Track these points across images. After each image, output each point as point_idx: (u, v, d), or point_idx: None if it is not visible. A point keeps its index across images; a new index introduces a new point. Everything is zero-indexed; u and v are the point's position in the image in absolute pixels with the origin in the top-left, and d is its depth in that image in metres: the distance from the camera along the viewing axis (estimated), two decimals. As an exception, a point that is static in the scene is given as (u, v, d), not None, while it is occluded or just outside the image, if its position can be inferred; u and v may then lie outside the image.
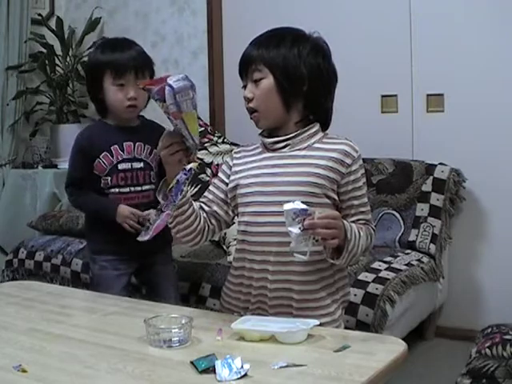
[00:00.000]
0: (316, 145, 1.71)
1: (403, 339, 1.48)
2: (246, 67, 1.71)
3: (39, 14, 4.19)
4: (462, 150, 3.16)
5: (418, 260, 2.92)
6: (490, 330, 2.02)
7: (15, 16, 3.96)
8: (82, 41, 4.17)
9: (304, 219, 1.47)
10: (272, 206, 1.65)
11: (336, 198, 1.68)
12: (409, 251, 2.99)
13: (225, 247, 2.93)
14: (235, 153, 1.84)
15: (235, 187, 1.76)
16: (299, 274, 1.66)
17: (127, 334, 1.55)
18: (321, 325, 1.56)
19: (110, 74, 2.27)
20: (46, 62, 4.08)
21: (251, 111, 1.72)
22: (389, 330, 2.45)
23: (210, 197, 1.81)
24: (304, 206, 1.48)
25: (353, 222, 1.66)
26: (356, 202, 1.69)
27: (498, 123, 3.09)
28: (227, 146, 3.59)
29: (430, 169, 3.12)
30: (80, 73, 4.15)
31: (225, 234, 2.96)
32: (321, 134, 1.74)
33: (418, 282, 2.78)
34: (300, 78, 1.69)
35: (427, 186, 3.10)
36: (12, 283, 2.33)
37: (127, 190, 2.34)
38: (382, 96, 3.37)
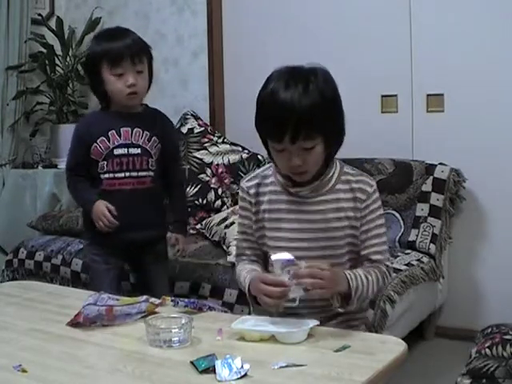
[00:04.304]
0: (337, 186, 1.69)
1: (403, 339, 1.49)
2: (294, 133, 1.54)
3: (39, 14, 4.19)
4: (462, 149, 3.16)
5: (418, 260, 2.92)
6: (489, 330, 2.02)
7: (15, 16, 3.96)
8: (81, 41, 4.17)
9: (288, 269, 1.52)
10: (311, 251, 1.66)
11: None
12: (409, 251, 2.99)
13: (225, 247, 2.93)
14: (249, 188, 1.75)
15: (262, 228, 1.74)
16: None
17: (127, 334, 1.55)
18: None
19: (107, 64, 2.27)
20: (46, 61, 4.08)
21: (299, 172, 1.64)
22: (389, 330, 2.45)
23: (250, 252, 1.78)
24: (290, 257, 1.52)
25: (364, 255, 1.68)
26: (367, 235, 1.69)
27: (498, 123, 3.08)
28: (227, 146, 3.60)
29: (429, 169, 3.12)
30: (80, 73, 4.15)
31: (225, 233, 2.96)
32: (338, 172, 1.71)
33: (417, 282, 2.78)
34: (343, 130, 1.69)
35: (427, 186, 3.09)
36: (12, 283, 2.34)
37: (122, 175, 2.34)
38: (382, 96, 3.37)
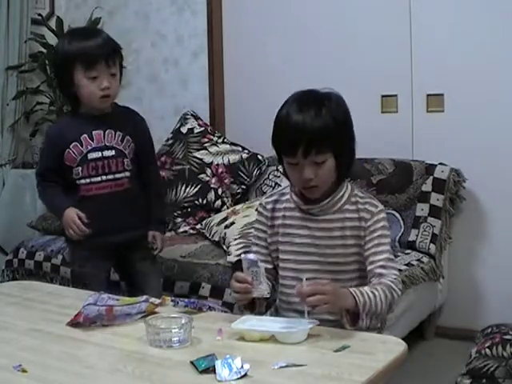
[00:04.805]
0: (346, 206, 1.74)
1: (403, 339, 1.49)
2: (306, 148, 1.62)
3: (39, 14, 4.19)
4: (462, 149, 3.16)
5: (418, 260, 2.92)
6: (489, 330, 2.02)
7: (15, 16, 3.96)
8: (81, 41, 4.17)
9: (252, 269, 1.62)
10: (319, 265, 1.71)
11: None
12: (409, 251, 2.99)
13: (225, 247, 2.93)
14: (266, 203, 1.84)
15: (276, 242, 1.80)
16: None
17: (127, 334, 1.55)
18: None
19: (82, 66, 2.23)
20: (46, 61, 4.08)
21: (310, 186, 1.70)
22: (389, 330, 2.45)
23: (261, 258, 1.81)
24: (254, 258, 1.63)
25: (369, 270, 1.70)
26: (371, 252, 1.71)
27: (498, 123, 3.08)
28: (227, 146, 3.59)
29: (430, 169, 3.12)
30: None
31: (225, 233, 2.96)
32: (348, 192, 1.75)
33: (417, 282, 2.78)
34: (354, 152, 1.74)
35: (427, 186, 3.09)
36: (12, 283, 2.34)
37: (99, 179, 2.31)
38: (382, 96, 3.37)
